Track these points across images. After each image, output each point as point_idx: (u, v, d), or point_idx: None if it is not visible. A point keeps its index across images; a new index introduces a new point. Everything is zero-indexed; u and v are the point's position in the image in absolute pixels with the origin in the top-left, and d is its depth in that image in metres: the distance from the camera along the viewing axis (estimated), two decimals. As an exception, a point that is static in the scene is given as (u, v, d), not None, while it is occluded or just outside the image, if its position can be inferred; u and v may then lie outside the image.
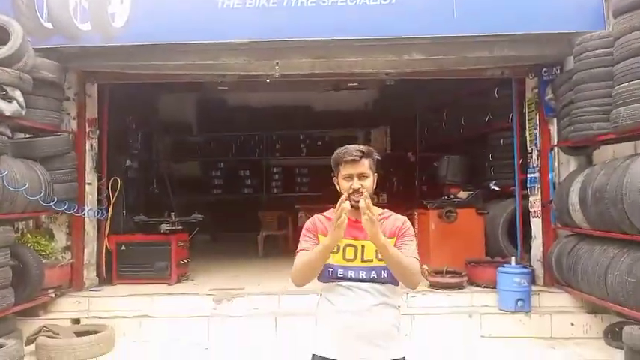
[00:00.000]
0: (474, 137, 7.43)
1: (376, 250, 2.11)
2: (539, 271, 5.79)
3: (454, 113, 7.91)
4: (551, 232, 5.73)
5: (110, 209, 6.12)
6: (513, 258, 5.45)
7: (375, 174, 2.24)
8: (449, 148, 7.70)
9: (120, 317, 5.04)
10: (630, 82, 4.15)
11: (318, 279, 2.23)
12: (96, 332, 4.59)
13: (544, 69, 5.76)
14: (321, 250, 2.08)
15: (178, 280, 6.03)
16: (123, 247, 6.00)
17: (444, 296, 5.36)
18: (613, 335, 4.77)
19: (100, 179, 6.08)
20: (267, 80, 6.76)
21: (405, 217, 2.30)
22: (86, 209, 5.74)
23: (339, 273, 2.14)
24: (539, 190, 5.83)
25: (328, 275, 2.16)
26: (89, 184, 5.88)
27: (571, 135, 5.08)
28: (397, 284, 2.21)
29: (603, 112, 4.59)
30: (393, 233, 2.18)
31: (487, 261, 5.97)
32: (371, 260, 2.13)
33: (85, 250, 5.78)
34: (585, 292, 4.82)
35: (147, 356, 4.51)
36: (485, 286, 5.57)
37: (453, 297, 5.36)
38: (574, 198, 4.98)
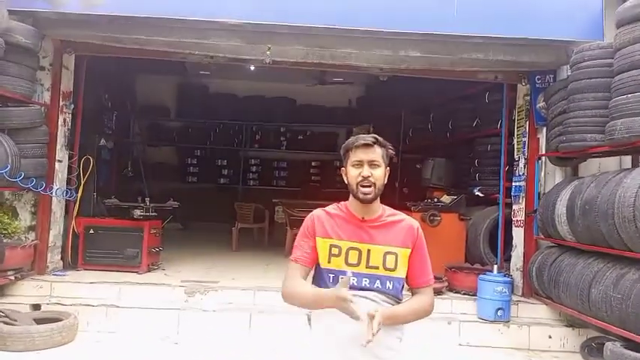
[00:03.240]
0: (460, 141, 7.37)
1: (384, 257, 1.95)
2: (519, 281, 5.73)
3: (441, 116, 7.82)
4: (532, 242, 5.68)
5: (80, 190, 5.77)
6: (495, 266, 5.37)
7: (387, 168, 2.03)
8: (433, 150, 7.62)
9: (84, 305, 4.74)
10: (629, 95, 4.08)
11: (314, 283, 2.03)
12: (57, 320, 4.28)
13: (537, 76, 5.70)
14: (313, 299, 1.90)
15: (149, 270, 5.75)
16: (91, 231, 5.67)
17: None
18: (590, 350, 4.72)
19: (71, 157, 5.72)
20: (252, 67, 6.54)
21: (417, 224, 2.10)
22: (54, 188, 5.38)
23: (340, 280, 1.91)
24: (524, 199, 5.75)
25: (328, 281, 1.95)
26: (59, 161, 5.51)
27: (562, 145, 5.01)
28: (401, 298, 2.05)
29: (598, 123, 4.52)
30: (408, 243, 2.01)
31: (467, 268, 5.89)
32: (377, 268, 1.96)
33: (51, 231, 5.42)
34: (566, 306, 4.76)
35: (112, 349, 4.23)
36: (464, 293, 5.50)
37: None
38: (561, 209, 4.91)
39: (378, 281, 1.95)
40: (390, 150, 2.03)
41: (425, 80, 6.69)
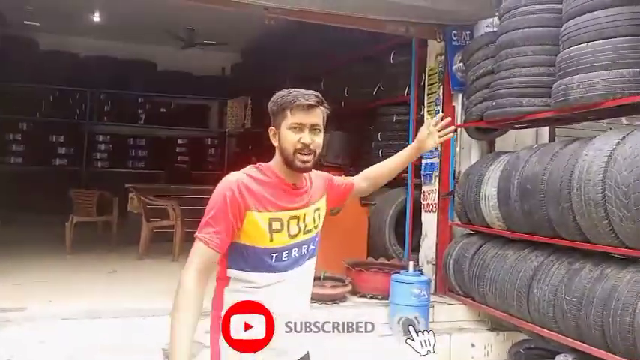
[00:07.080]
0: (359, 112, 6.48)
1: (314, 216, 1.80)
2: (430, 276, 4.87)
3: (335, 82, 6.84)
4: (447, 229, 4.88)
5: None
6: (411, 263, 4.38)
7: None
8: (328, 123, 6.53)
9: None
10: (589, 43, 3.22)
11: (250, 270, 1.67)
12: None
13: (454, 32, 4.83)
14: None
15: None
16: None
17: (324, 312, 4.08)
18: (518, 358, 4.00)
19: None
20: (97, 17, 4.74)
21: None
22: None
23: (283, 257, 1.71)
24: (437, 179, 4.93)
25: (268, 265, 1.67)
26: None
27: (490, 112, 4.13)
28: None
29: (538, 84, 3.75)
30: (324, 189, 1.89)
31: (373, 264, 4.92)
32: (310, 231, 1.79)
33: None
34: (493, 307, 4.00)
35: None
36: (371, 297, 4.53)
37: (334, 312, 4.15)
38: (489, 190, 4.13)
39: (311, 243, 1.82)
40: (327, 109, 1.80)
41: (315, 41, 5.95)
